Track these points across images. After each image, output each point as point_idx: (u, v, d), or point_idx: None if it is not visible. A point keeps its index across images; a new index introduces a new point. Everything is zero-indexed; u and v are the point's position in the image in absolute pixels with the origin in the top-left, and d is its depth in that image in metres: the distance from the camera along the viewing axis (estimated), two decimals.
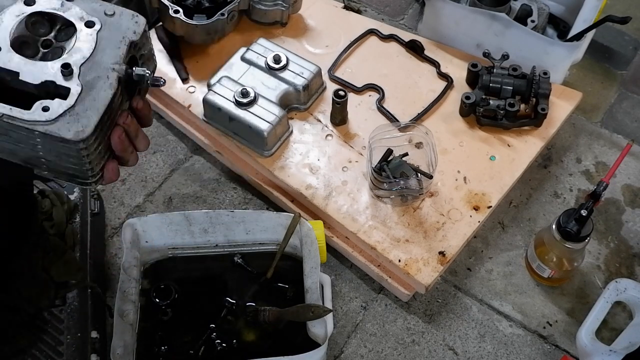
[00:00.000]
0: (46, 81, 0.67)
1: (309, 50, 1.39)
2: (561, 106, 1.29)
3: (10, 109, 0.64)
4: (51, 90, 0.67)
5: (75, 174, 0.70)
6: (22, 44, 0.68)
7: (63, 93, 0.66)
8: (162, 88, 0.76)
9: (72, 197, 1.13)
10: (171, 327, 1.04)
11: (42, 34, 0.70)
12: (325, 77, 1.33)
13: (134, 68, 0.71)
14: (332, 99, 1.22)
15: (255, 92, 1.20)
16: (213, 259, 1.11)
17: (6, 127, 0.65)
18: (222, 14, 1.28)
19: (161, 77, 0.74)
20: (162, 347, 1.02)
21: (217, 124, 1.25)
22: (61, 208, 1.08)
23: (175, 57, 1.35)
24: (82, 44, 0.69)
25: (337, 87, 1.28)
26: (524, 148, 1.24)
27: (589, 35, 1.31)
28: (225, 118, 1.21)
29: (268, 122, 1.18)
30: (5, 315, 0.96)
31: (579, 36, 1.28)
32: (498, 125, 1.25)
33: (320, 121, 1.28)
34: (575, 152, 1.34)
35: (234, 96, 1.20)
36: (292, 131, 1.26)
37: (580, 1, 1.32)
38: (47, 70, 0.67)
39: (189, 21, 1.26)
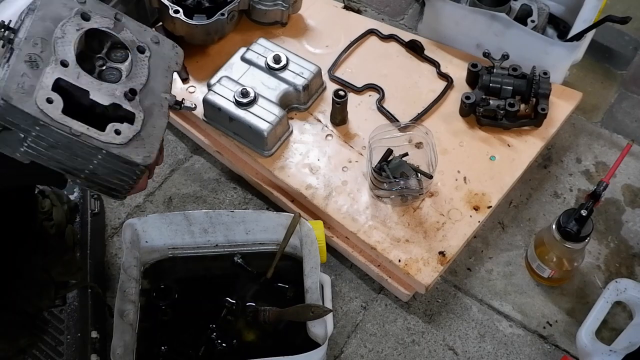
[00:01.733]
0: (114, 103, 0.69)
1: (309, 50, 1.39)
2: (561, 106, 1.29)
3: (88, 128, 0.66)
4: (117, 112, 0.70)
5: (112, 187, 0.73)
6: (82, 59, 0.70)
7: (128, 117, 0.70)
8: None
9: (72, 197, 1.13)
10: (171, 327, 1.04)
11: (93, 50, 0.73)
12: (325, 77, 1.33)
13: (183, 100, 0.77)
14: (332, 99, 1.22)
15: (255, 92, 1.20)
16: (213, 259, 1.11)
17: (72, 143, 0.67)
18: (222, 14, 1.28)
19: (193, 103, 0.82)
20: (162, 347, 1.02)
21: (217, 124, 1.25)
22: (61, 208, 1.08)
23: None
24: (138, 69, 0.73)
25: (337, 87, 1.28)
26: (524, 148, 1.24)
27: (589, 35, 1.31)
28: (225, 118, 1.21)
29: (268, 122, 1.18)
30: (5, 315, 0.96)
31: (579, 36, 1.28)
32: (498, 125, 1.25)
33: (320, 121, 1.28)
34: (575, 152, 1.34)
35: (234, 96, 1.20)
36: (292, 131, 1.26)
37: (580, 1, 1.32)
38: (112, 92, 0.70)
39: (189, 21, 1.26)
